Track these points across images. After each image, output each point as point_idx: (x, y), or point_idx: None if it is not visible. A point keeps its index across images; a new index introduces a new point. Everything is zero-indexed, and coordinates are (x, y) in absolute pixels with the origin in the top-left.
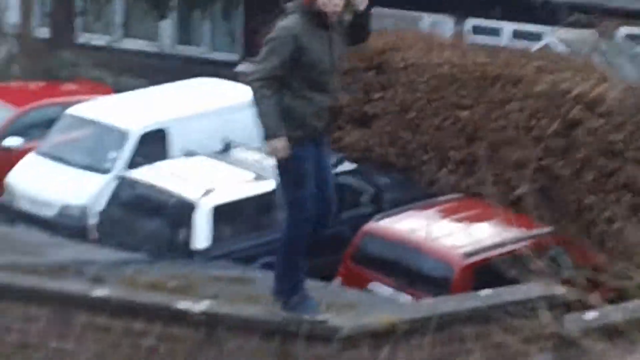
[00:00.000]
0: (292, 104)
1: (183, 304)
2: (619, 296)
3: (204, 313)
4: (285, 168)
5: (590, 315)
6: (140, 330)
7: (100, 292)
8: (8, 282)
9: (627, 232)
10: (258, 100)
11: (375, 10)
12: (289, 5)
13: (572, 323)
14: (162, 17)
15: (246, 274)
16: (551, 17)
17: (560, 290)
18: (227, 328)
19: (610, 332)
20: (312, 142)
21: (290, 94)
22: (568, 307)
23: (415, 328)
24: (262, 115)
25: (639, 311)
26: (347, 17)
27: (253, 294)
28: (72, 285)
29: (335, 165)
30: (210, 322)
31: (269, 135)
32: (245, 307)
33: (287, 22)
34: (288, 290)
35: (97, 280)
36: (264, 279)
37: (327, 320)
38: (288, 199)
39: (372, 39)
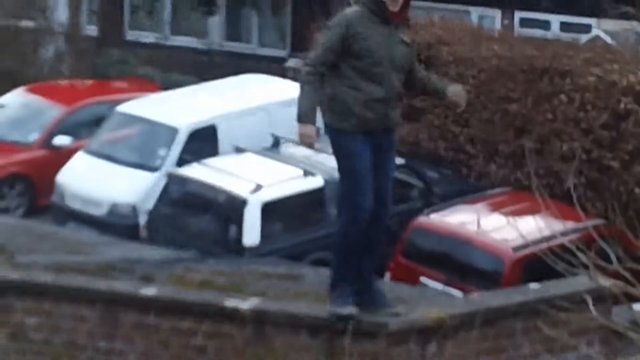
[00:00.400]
0: (342, 92)
1: (231, 302)
2: None
3: (252, 310)
4: (339, 162)
5: (639, 307)
6: (188, 329)
7: (148, 291)
8: (57, 282)
9: None
10: (301, 83)
11: (424, 4)
12: None
13: (620, 315)
14: (210, 13)
15: (295, 270)
16: (599, 9)
17: (607, 282)
18: (275, 325)
19: None
20: (365, 136)
21: (341, 82)
22: (616, 299)
23: (464, 323)
24: (299, 98)
25: None
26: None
27: (302, 291)
28: (121, 285)
29: None
30: (258, 319)
31: (299, 119)
32: (294, 304)
33: (346, 11)
34: (338, 285)
35: (146, 279)
36: (313, 276)
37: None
38: (342, 194)
39: (420, 33)
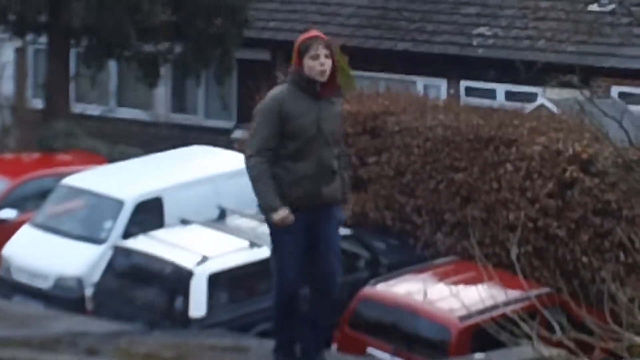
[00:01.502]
0: (275, 172)
1: None
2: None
3: None
4: (270, 237)
5: None
6: None
7: None
8: (2, 356)
9: (620, 293)
10: (253, 178)
11: (369, 74)
12: (284, 77)
13: None
14: (153, 85)
15: (241, 342)
16: (544, 78)
17: (551, 352)
18: None
19: None
20: (300, 215)
21: (275, 163)
22: None
23: None
24: (258, 191)
25: None
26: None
27: None
28: (65, 358)
29: None
30: None
31: (268, 211)
32: None
33: (274, 91)
34: (276, 352)
35: (92, 352)
36: (258, 347)
37: None
38: (271, 268)
39: (366, 103)
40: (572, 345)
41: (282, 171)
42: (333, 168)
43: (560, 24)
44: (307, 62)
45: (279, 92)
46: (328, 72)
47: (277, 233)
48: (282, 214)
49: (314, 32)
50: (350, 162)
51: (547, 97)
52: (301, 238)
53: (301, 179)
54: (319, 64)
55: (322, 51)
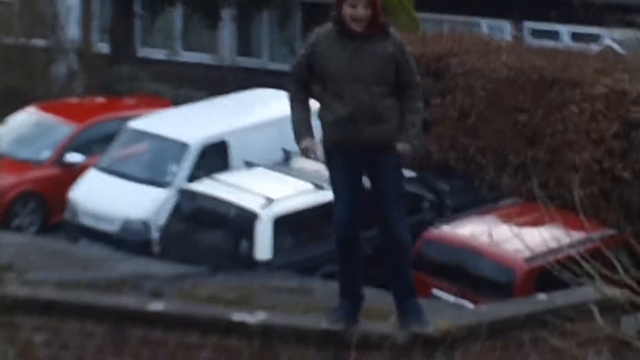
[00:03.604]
0: (320, 114)
1: (238, 316)
2: None
3: (259, 324)
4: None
5: None
6: (195, 343)
7: (155, 306)
8: (64, 299)
9: None
10: (289, 104)
11: (433, 16)
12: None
13: (630, 325)
14: (213, 27)
15: (306, 284)
16: (609, 19)
17: (616, 292)
18: (282, 339)
19: None
20: (344, 155)
21: (319, 104)
22: (625, 309)
23: (471, 334)
24: (291, 117)
25: None
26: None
27: (312, 305)
28: (128, 300)
29: None
30: (265, 333)
31: (296, 139)
32: (301, 318)
33: (316, 30)
34: (341, 292)
35: (156, 294)
36: (323, 289)
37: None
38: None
39: (429, 45)
40: (634, 285)
41: (323, 112)
42: (375, 109)
43: None
44: (346, 9)
45: (317, 32)
46: (365, 22)
47: (332, 175)
48: (306, 143)
49: None
50: (420, 105)
51: (611, 38)
52: (351, 180)
53: (338, 120)
54: (354, 12)
55: (361, 1)
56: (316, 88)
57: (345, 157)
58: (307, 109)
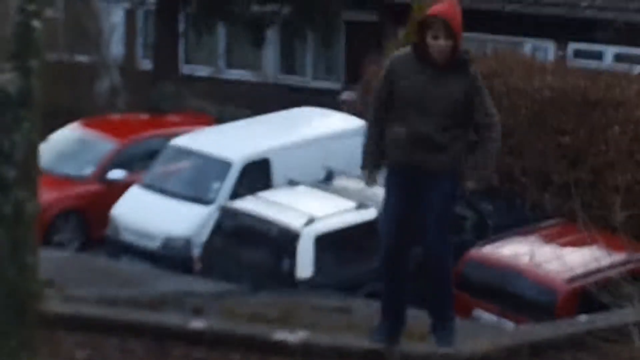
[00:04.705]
0: (386, 131)
1: (280, 335)
2: None
3: (300, 343)
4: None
5: None
6: None
7: (197, 324)
8: (106, 316)
9: None
10: (367, 125)
11: (477, 35)
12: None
13: None
14: (258, 46)
15: (347, 303)
16: None
17: None
18: (323, 358)
19: None
20: (400, 174)
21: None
22: None
23: (511, 355)
24: (364, 143)
25: None
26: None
27: (353, 323)
28: (170, 318)
29: None
30: (306, 352)
31: (362, 165)
32: (342, 337)
33: (395, 53)
34: (382, 312)
35: (198, 312)
36: (365, 308)
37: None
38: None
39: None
40: None
41: (388, 131)
42: (433, 139)
43: None
44: (429, 40)
45: (396, 54)
46: (445, 53)
47: (386, 192)
48: (367, 174)
49: (437, 9)
50: (493, 143)
51: None
52: (402, 198)
53: (395, 141)
54: (436, 44)
55: (442, 32)
56: (390, 108)
57: (400, 177)
58: (380, 134)
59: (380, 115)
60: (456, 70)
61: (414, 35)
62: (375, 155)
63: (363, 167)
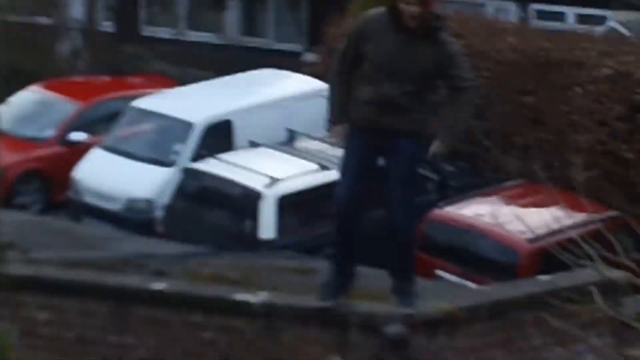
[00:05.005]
0: (352, 91)
1: (242, 296)
2: None
3: (262, 304)
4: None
5: None
6: (199, 323)
7: (158, 285)
8: (67, 278)
9: None
10: (331, 80)
11: None
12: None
13: (630, 307)
14: (223, 8)
15: (309, 264)
16: (614, 1)
17: (616, 274)
18: (285, 319)
19: None
20: (361, 135)
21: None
22: (625, 291)
23: (473, 315)
24: (329, 96)
25: None
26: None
27: (314, 285)
28: (131, 280)
29: None
30: (268, 313)
31: (329, 118)
32: (303, 298)
33: (369, 12)
34: (332, 268)
35: (159, 274)
36: (326, 269)
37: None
38: None
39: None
40: (635, 267)
41: (355, 91)
42: (395, 102)
43: None
44: (401, 5)
45: (371, 14)
46: (418, 19)
47: (345, 153)
48: (336, 132)
49: None
50: (466, 107)
51: (616, 20)
52: (360, 160)
53: (362, 102)
54: (409, 11)
55: (415, 6)
56: (358, 69)
57: (362, 138)
58: (347, 90)
59: (345, 72)
60: (427, 37)
61: None
62: (343, 112)
63: (332, 122)
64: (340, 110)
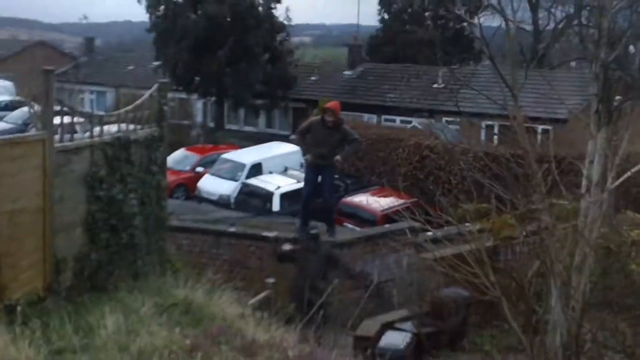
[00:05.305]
0: (307, 149)
1: (265, 233)
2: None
3: (274, 237)
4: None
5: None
6: (247, 244)
7: (232, 229)
8: (195, 226)
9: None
10: (297, 142)
11: (347, 114)
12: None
13: (422, 237)
14: (257, 116)
15: (293, 221)
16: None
17: (416, 224)
18: (281, 242)
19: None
20: (313, 165)
21: (308, 144)
22: (422, 230)
23: (359, 241)
24: (300, 147)
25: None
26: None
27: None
28: (220, 226)
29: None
30: (276, 240)
31: (303, 154)
32: (291, 234)
33: (313, 117)
34: (299, 226)
35: (232, 224)
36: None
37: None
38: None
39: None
40: (423, 221)
41: (309, 148)
42: (325, 155)
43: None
44: (325, 117)
45: (314, 118)
46: (332, 122)
47: (306, 173)
48: (308, 158)
49: (331, 104)
50: (355, 146)
51: (416, 122)
52: (314, 175)
53: (313, 151)
54: (329, 120)
55: (330, 118)
56: (308, 138)
57: (312, 167)
58: (304, 142)
59: (301, 137)
60: (337, 129)
61: (320, 112)
62: (306, 151)
63: (304, 154)
64: (304, 150)
